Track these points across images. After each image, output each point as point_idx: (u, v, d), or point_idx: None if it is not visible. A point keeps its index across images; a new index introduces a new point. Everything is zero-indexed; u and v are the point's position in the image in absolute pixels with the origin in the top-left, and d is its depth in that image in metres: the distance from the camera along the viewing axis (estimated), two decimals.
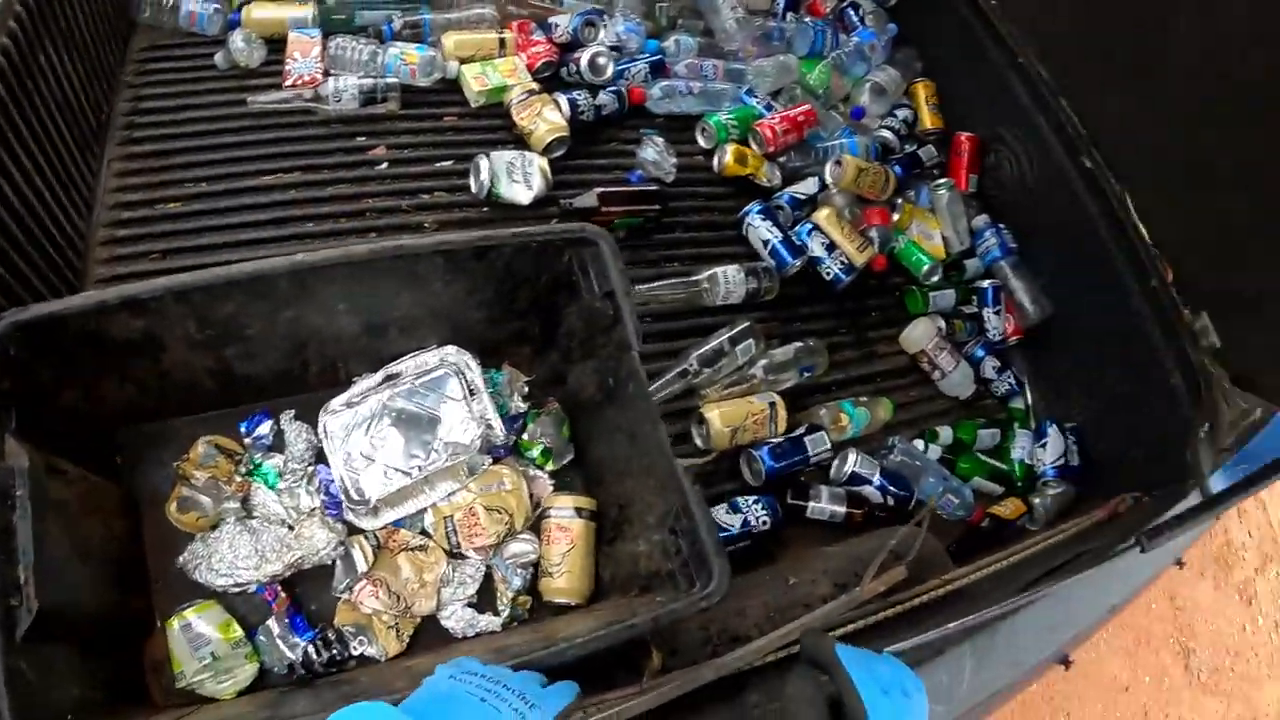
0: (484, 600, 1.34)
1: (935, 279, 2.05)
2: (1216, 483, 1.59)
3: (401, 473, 1.32)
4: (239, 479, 1.34)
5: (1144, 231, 1.76)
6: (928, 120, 2.31)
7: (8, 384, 1.04)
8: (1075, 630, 1.35)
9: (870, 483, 1.68)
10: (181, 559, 1.26)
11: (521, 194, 1.75)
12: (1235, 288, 1.62)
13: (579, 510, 1.37)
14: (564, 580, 1.33)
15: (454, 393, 1.39)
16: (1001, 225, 2.13)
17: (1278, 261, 1.52)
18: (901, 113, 2.30)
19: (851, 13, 2.38)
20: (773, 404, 1.65)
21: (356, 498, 1.31)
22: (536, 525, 1.39)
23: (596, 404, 1.43)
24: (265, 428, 1.38)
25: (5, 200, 1.32)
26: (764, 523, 1.54)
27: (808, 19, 2.36)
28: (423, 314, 1.39)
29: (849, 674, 0.83)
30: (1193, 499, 1.55)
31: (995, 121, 2.16)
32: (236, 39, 1.87)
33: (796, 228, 1.94)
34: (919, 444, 1.84)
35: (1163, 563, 1.51)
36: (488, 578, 1.36)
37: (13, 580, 0.93)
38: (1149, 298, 1.76)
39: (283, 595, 1.27)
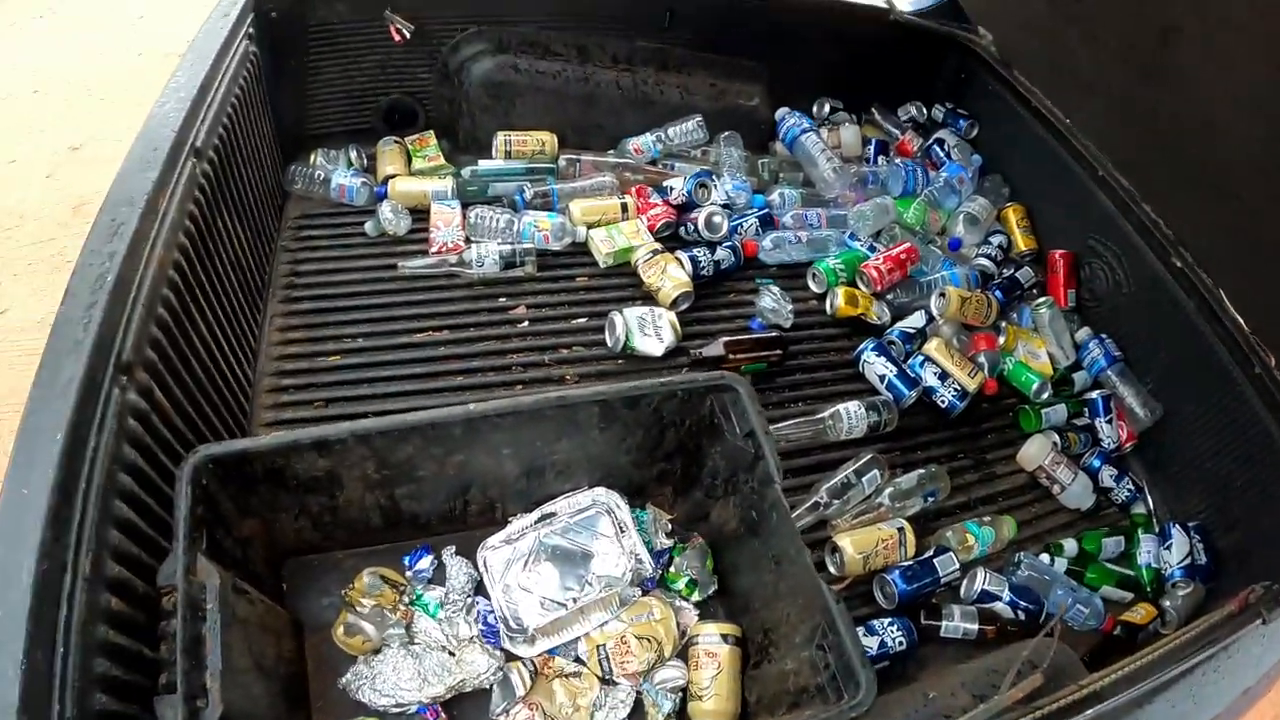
0: None
1: (1046, 396, 2.09)
2: None
3: (557, 604, 1.44)
4: (403, 607, 1.43)
5: (1241, 321, 1.80)
6: (1021, 242, 2.40)
7: (201, 510, 1.18)
8: (1211, 715, 1.32)
9: (1000, 599, 1.69)
10: (344, 680, 1.34)
11: (654, 346, 1.90)
12: None
13: (725, 636, 1.44)
14: (713, 703, 1.39)
15: (605, 530, 1.52)
16: (1104, 335, 2.18)
17: None
18: (996, 239, 2.40)
19: (938, 149, 2.54)
20: (901, 529, 1.71)
21: (515, 627, 1.41)
22: (684, 652, 1.47)
23: (739, 537, 1.53)
24: (426, 562, 1.50)
25: (190, 346, 1.47)
26: (900, 643, 1.57)
27: (898, 160, 2.51)
28: (578, 458, 1.53)
29: None
30: None
31: (1085, 235, 2.23)
32: (385, 210, 2.09)
33: (909, 361, 2.03)
34: (1045, 558, 1.85)
35: None
36: (638, 703, 1.42)
37: (199, 684, 1.02)
38: (1255, 385, 1.79)
39: (443, 716, 1.35)
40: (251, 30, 2.00)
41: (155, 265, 1.38)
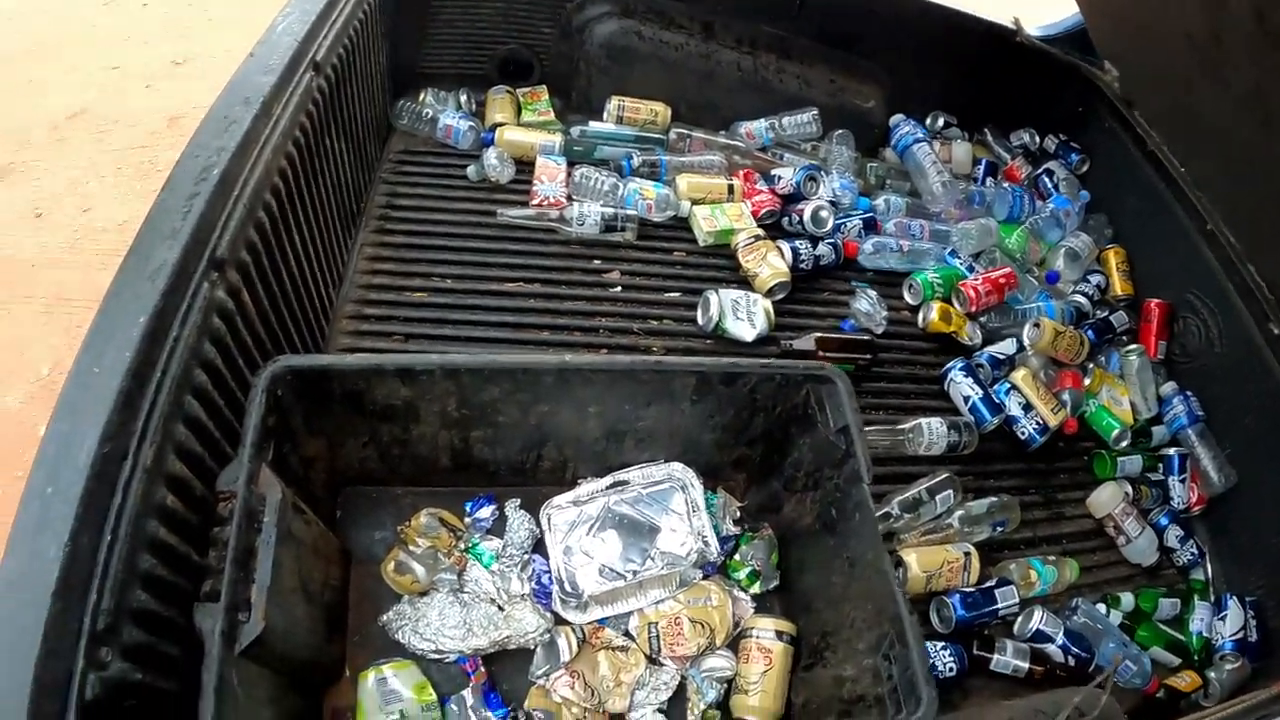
0: (674, 708, 1.38)
1: (1124, 444, 2.06)
2: None
3: (617, 574, 1.40)
4: (457, 553, 1.41)
5: None
6: (1119, 286, 2.36)
7: (273, 420, 1.16)
8: None
9: (1053, 641, 1.67)
10: (384, 618, 1.33)
11: (745, 331, 1.88)
12: None
13: (780, 634, 1.42)
14: (758, 699, 1.37)
15: (677, 507, 1.49)
16: (1189, 393, 2.15)
17: None
18: (1094, 278, 2.36)
19: (1046, 180, 2.50)
20: (968, 554, 1.68)
21: (570, 590, 1.38)
22: (734, 644, 1.44)
23: (812, 534, 1.49)
24: (487, 511, 1.49)
25: (283, 256, 1.46)
26: (950, 669, 1.56)
27: (1006, 185, 2.47)
28: (662, 429, 1.50)
29: None
30: None
31: (1184, 288, 2.19)
32: (490, 156, 2.08)
33: (995, 386, 1.99)
34: (1101, 608, 1.83)
35: None
36: (681, 687, 1.40)
37: (244, 597, 1.00)
38: None
39: (482, 669, 1.33)
40: None
41: (261, 168, 1.37)
